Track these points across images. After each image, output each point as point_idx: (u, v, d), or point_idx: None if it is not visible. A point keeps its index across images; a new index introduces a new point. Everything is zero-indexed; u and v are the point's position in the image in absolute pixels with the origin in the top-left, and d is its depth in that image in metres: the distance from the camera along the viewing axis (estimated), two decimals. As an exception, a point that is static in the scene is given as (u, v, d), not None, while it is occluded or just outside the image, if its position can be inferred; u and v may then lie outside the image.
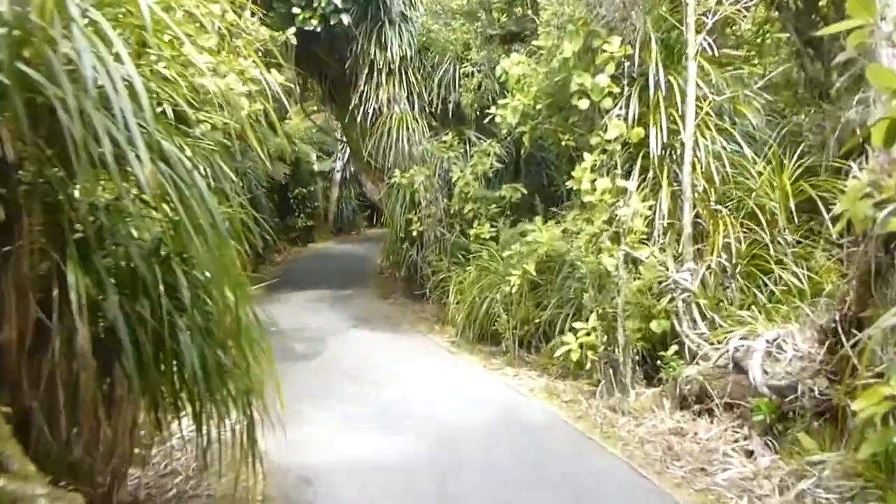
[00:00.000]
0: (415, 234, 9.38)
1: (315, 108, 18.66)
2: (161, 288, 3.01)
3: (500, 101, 6.31)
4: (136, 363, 2.96)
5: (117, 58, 2.38)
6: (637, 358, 5.50)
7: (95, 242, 2.96)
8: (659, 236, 5.58)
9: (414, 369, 6.69)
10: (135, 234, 3.22)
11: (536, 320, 6.61)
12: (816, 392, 3.84)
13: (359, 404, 5.53)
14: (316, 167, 20.25)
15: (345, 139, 11.57)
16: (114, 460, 3.29)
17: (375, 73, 9.87)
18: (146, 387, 3.21)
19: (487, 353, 7.31)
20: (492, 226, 8.20)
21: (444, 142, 9.19)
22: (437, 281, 8.98)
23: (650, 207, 5.48)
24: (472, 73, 8.31)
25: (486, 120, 7.05)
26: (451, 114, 9.86)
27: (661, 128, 5.64)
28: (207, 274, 3.29)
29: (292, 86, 11.01)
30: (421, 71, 10.00)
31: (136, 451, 3.78)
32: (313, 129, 19.03)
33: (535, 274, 6.31)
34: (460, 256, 8.77)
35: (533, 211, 9.32)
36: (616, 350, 5.45)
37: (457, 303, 8.14)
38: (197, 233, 2.86)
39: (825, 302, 4.89)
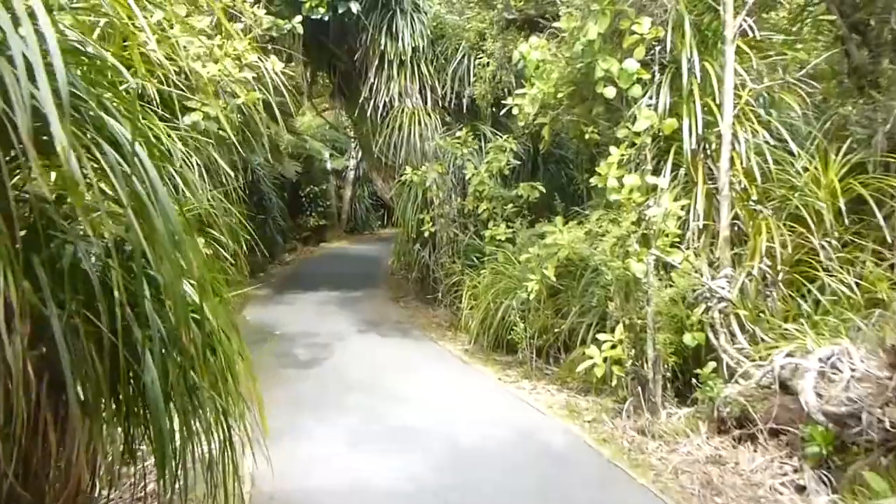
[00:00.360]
0: (427, 234, 8.90)
1: (328, 104, 18.28)
2: (119, 295, 2.56)
3: (518, 91, 5.79)
4: (88, 381, 2.51)
5: (32, 16, 1.92)
6: (668, 374, 4.96)
7: (38, 239, 2.53)
8: (693, 239, 5.03)
9: (424, 380, 6.20)
10: (89, 231, 2.78)
11: (556, 329, 6.09)
12: (888, 424, 3.28)
13: (363, 419, 5.05)
14: (329, 165, 19.87)
15: (355, 135, 11.06)
16: (69, 487, 2.86)
17: (386, 65, 9.41)
18: (98, 410, 2.77)
19: (503, 363, 6.81)
20: (508, 227, 7.69)
21: (458, 138, 8.69)
22: (450, 284, 8.50)
23: (683, 207, 4.94)
24: (488, 63, 7.78)
25: (503, 112, 6.55)
26: (465, 108, 9.38)
27: (695, 119, 5.10)
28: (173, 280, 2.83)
29: (299, 79, 10.61)
30: (434, 63, 9.52)
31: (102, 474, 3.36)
32: (326, 126, 18.63)
33: (554, 279, 5.80)
34: (474, 259, 8.28)
35: (552, 211, 8.83)
36: (645, 365, 4.92)
37: (470, 308, 7.65)
38: (149, 230, 2.40)
39: (882, 315, 4.35)
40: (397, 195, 10.11)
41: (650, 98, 5.22)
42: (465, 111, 9.44)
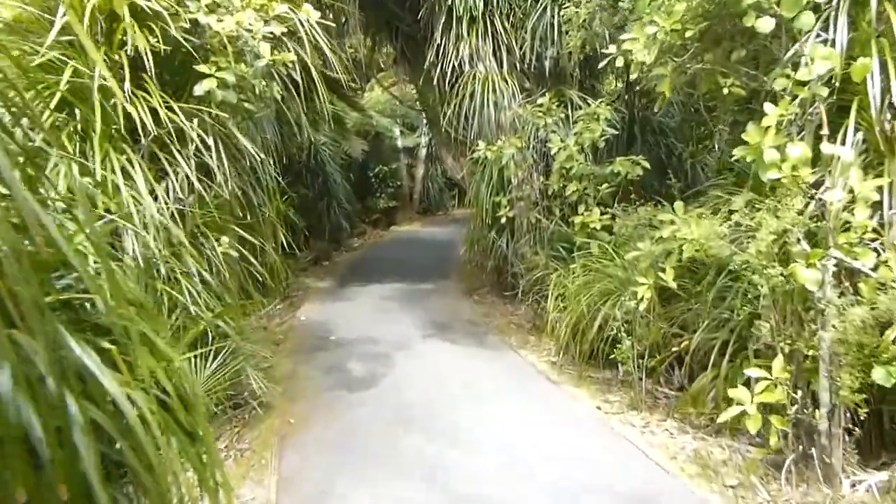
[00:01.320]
0: (504, 220, 7.59)
1: (395, 78, 17.12)
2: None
3: (625, 36, 4.34)
4: None
5: None
6: (850, 425, 3.50)
7: None
8: (891, 235, 3.50)
9: (503, 411, 4.95)
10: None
11: (673, 347, 4.69)
12: None
13: (422, 483, 3.83)
14: (399, 143, 18.80)
15: (421, 107, 9.82)
16: None
17: (455, 23, 8.07)
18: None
19: (601, 383, 5.47)
20: (603, 212, 6.28)
21: (540, 106, 7.29)
22: (533, 279, 7.18)
23: (878, 189, 3.41)
24: (580, 2, 6.28)
25: (601, 65, 5.09)
26: (548, 72, 7.94)
27: (891, 62, 3.52)
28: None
29: (358, 47, 9.46)
30: (510, 18, 8.09)
31: None
32: (395, 102, 17.49)
33: (673, 284, 4.39)
34: (561, 250, 6.92)
35: (652, 191, 7.36)
36: (816, 413, 3.47)
37: (558, 310, 6.32)
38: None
39: None
40: (469, 174, 8.84)
41: (820, 32, 3.66)
42: (548, 75, 8.00)
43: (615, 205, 6.52)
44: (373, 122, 15.75)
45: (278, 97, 5.33)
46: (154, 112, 3.77)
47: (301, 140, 13.62)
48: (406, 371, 5.85)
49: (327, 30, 10.10)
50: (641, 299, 4.50)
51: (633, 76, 4.37)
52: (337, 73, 8.63)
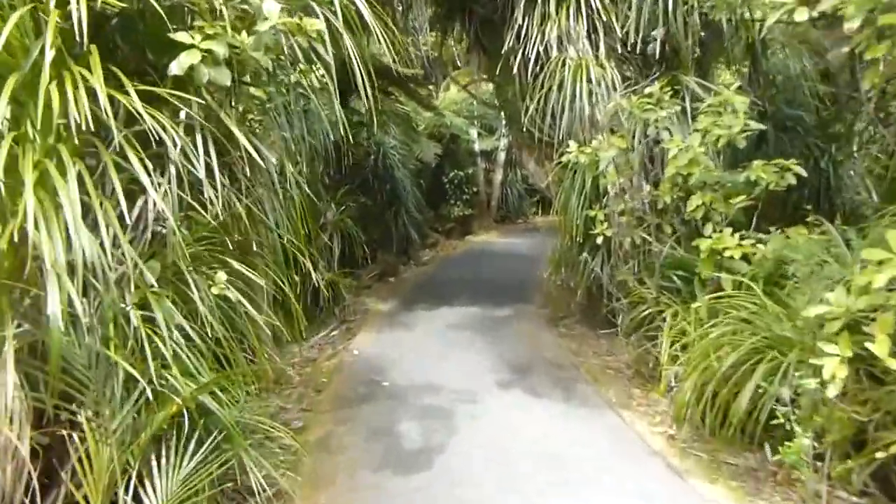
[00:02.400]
0: (600, 239, 6.09)
1: (472, 76, 15.82)
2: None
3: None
4: None
5: None
6: None
7: None
8: None
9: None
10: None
11: (879, 453, 3.08)
12: None
13: None
14: (476, 146, 17.48)
15: (498, 102, 8.42)
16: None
17: (540, 1, 6.66)
18: None
19: (745, 473, 3.90)
20: (742, 236, 4.68)
21: (649, 96, 5.74)
22: (638, 315, 5.64)
23: None
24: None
25: (774, 21, 3.53)
26: (657, 54, 6.39)
27: None
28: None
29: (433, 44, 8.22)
30: (609, -9, 6.60)
31: None
32: (472, 101, 16.18)
33: (889, 361, 2.79)
34: (676, 280, 5.36)
35: (793, 207, 5.76)
36: None
37: (676, 361, 4.80)
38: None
39: None
40: (556, 182, 7.38)
41: None
42: (656, 58, 6.45)
43: (752, 225, 4.92)
44: (447, 123, 14.49)
45: (309, 82, 4.10)
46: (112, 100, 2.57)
47: (368, 143, 12.60)
48: (469, 442, 4.45)
49: (392, 16, 8.91)
50: (832, 378, 2.93)
51: (851, 24, 2.79)
52: (396, 61, 7.46)
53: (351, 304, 8.86)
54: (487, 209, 18.58)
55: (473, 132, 17.02)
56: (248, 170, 3.68)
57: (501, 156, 18.76)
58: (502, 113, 9.99)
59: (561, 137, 6.55)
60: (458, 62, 17.15)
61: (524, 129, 7.40)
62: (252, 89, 3.43)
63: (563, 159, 6.27)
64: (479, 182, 17.46)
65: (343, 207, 8.72)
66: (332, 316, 8.34)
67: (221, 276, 3.22)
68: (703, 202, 4.85)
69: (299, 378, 5.88)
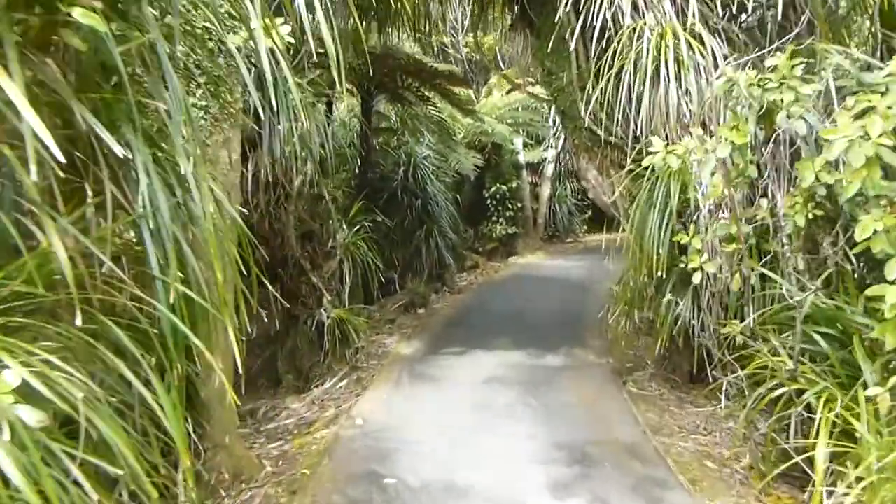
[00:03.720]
0: (697, 276, 4.30)
1: (517, 77, 14.16)
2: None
3: None
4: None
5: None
6: None
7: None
8: None
9: None
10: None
11: None
12: None
13: None
14: (521, 157, 15.76)
15: (549, 94, 6.69)
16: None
17: (607, -48, 4.97)
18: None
19: None
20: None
21: (770, 70, 3.94)
22: (762, 389, 3.81)
23: None
24: None
25: None
26: (768, 21, 4.62)
27: None
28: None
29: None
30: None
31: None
32: (517, 107, 14.51)
33: None
34: (823, 343, 3.53)
35: None
36: None
37: (845, 481, 2.98)
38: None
39: None
40: (625, 196, 5.63)
41: None
42: (766, 27, 4.69)
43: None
44: (488, 131, 12.84)
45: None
46: None
47: (397, 152, 11.08)
48: None
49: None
50: None
51: None
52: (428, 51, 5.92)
53: (366, 345, 7.25)
54: (534, 227, 16.81)
55: (518, 142, 15.31)
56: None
57: (549, 168, 17.00)
58: (554, 106, 8.22)
59: (636, 136, 4.82)
60: (501, 63, 15.57)
61: (583, 128, 5.69)
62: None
63: (640, 164, 4.52)
64: (525, 197, 15.71)
65: (358, 227, 7.13)
66: (342, 360, 6.75)
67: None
68: (887, 227, 3.03)
69: (272, 469, 4.25)
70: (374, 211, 9.52)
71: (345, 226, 7.02)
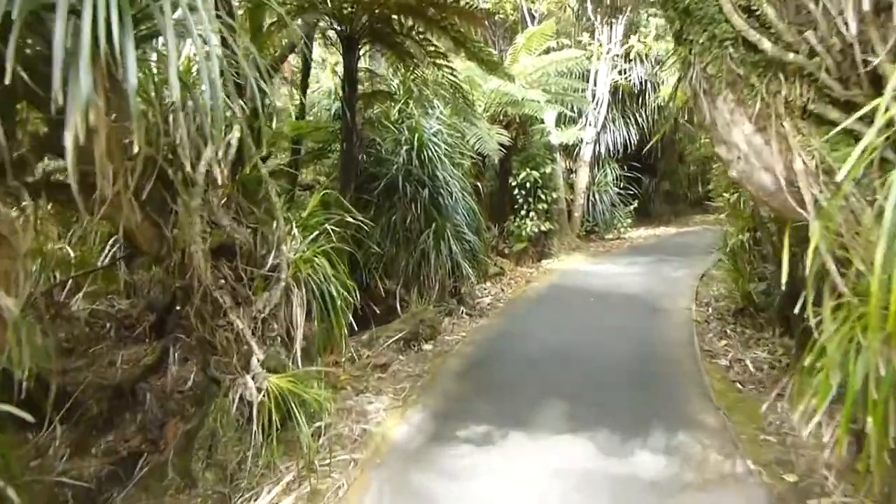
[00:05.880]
0: None
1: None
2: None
3: None
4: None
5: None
6: None
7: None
8: None
9: None
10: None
11: None
12: None
13: None
14: (554, 138, 12.90)
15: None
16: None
17: None
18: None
19: None
20: None
21: None
22: None
23: None
24: None
25: None
26: None
27: None
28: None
29: None
30: None
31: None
32: (549, 73, 11.61)
33: None
34: None
35: None
36: None
37: None
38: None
39: None
40: (817, 170, 2.81)
41: None
42: None
43: None
44: (517, 99, 9.99)
45: None
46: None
47: (399, 126, 8.29)
48: None
49: None
50: None
51: None
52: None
53: (337, 419, 4.55)
54: (569, 221, 14.00)
55: (549, 118, 12.44)
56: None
57: (587, 151, 14.17)
58: (663, 12, 5.34)
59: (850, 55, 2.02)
60: (528, 20, 12.79)
61: (727, 39, 2.88)
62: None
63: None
64: (559, 186, 12.89)
65: (317, 234, 4.41)
66: (292, 453, 4.06)
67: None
68: None
69: None
70: (366, 204, 6.88)
71: (296, 231, 4.28)
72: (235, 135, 4.03)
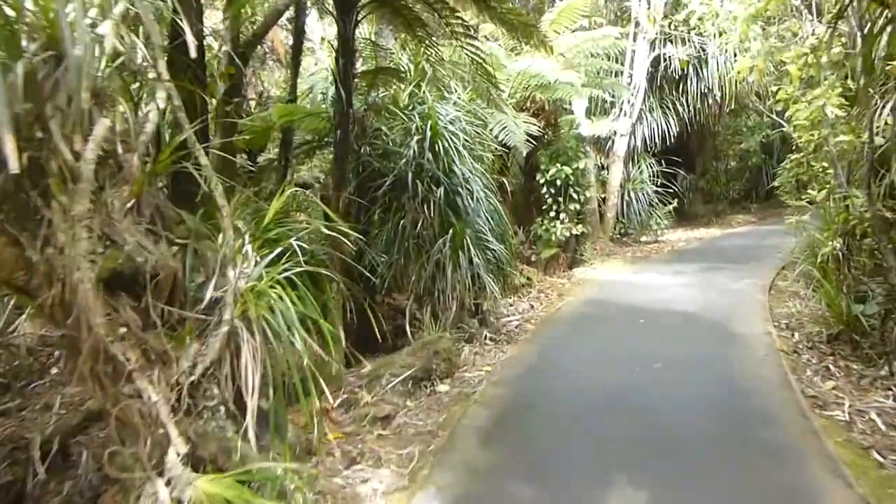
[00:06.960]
0: None
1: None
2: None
3: None
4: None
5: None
6: None
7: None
8: None
9: None
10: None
11: None
12: None
13: None
14: (584, 130, 11.41)
15: None
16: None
17: None
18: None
19: None
20: None
21: None
22: None
23: None
24: None
25: None
26: None
27: None
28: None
29: None
30: None
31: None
32: (582, 54, 10.14)
33: None
34: None
35: None
36: None
37: None
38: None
39: None
40: None
41: None
42: None
43: None
44: (548, 82, 8.55)
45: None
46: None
47: (409, 113, 6.86)
48: None
49: None
50: None
51: None
52: None
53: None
54: (601, 224, 12.55)
55: (579, 107, 10.93)
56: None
57: (621, 144, 12.68)
58: None
59: None
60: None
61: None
62: None
63: None
64: (591, 184, 11.43)
65: (283, 252, 3.02)
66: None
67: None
68: None
69: None
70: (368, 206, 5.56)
71: (250, 250, 2.91)
72: (158, 103, 2.70)
